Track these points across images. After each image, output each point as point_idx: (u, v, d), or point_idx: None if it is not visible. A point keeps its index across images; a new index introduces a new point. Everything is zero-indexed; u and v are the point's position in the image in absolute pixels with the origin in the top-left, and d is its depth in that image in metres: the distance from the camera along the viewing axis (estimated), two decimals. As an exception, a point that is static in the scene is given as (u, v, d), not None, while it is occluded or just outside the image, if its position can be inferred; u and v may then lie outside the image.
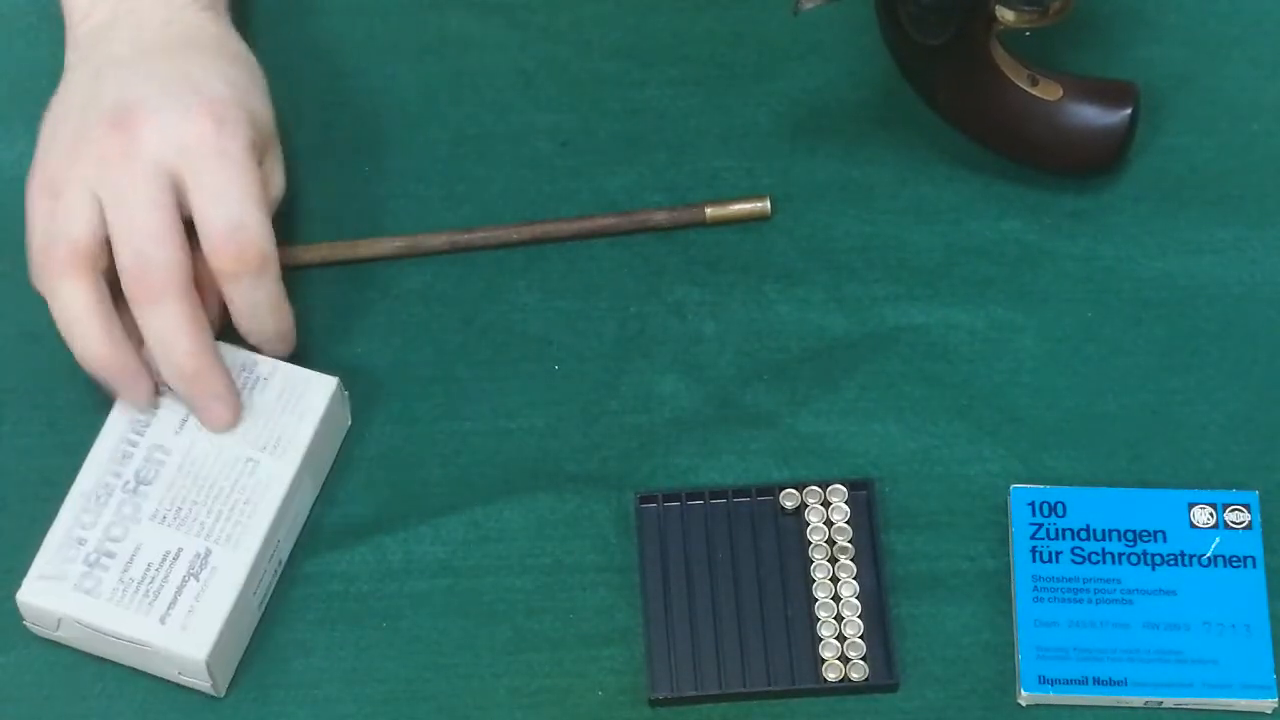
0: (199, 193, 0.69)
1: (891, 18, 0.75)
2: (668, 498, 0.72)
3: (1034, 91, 0.76)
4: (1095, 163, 0.78)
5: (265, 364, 0.73)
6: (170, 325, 0.69)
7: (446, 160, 0.79)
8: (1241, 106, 0.80)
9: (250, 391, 0.72)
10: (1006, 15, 0.73)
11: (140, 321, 0.69)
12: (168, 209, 0.69)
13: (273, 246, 0.70)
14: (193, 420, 0.72)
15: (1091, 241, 0.77)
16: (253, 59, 0.75)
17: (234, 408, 0.71)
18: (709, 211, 0.77)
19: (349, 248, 0.77)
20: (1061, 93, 0.76)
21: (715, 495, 0.72)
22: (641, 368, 0.75)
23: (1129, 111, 0.77)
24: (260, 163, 0.72)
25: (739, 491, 0.72)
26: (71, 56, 0.75)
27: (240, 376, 0.73)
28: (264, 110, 0.73)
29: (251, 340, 0.72)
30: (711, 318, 0.76)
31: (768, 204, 0.77)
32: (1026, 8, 0.73)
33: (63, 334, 0.70)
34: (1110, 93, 0.77)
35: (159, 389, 0.72)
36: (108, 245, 0.69)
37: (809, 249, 0.77)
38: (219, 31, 0.75)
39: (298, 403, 0.72)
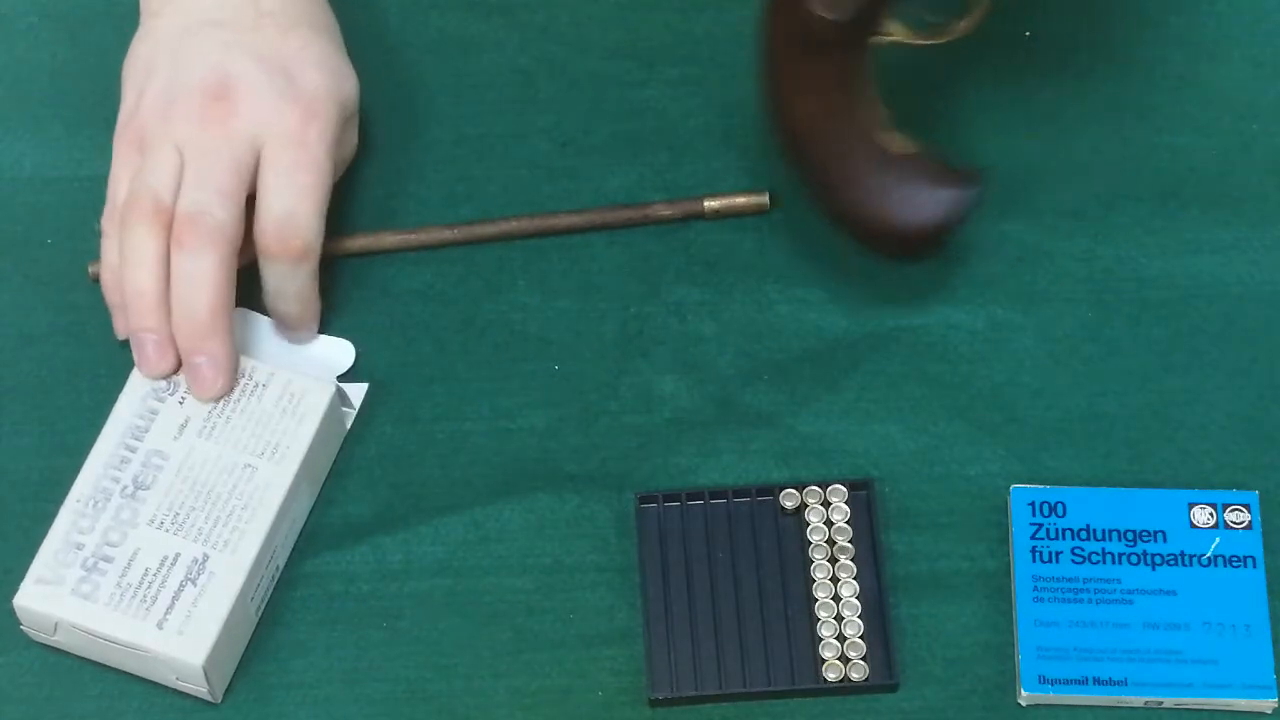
0: (269, 173, 0.71)
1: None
2: (667, 498, 0.72)
3: (878, 136, 0.73)
4: (919, 238, 0.74)
5: (263, 370, 0.73)
6: (202, 273, 0.70)
7: (446, 160, 0.80)
8: (1241, 106, 0.80)
9: (248, 397, 0.73)
10: (895, 28, 0.72)
11: (175, 264, 0.70)
12: (241, 177, 0.71)
13: (317, 241, 0.72)
14: (191, 426, 0.72)
15: (1091, 241, 0.77)
16: (335, 23, 0.77)
17: (228, 377, 0.71)
18: (708, 204, 0.77)
19: (342, 243, 0.77)
20: (916, 150, 0.73)
21: (715, 495, 0.72)
22: (641, 368, 0.75)
23: (975, 193, 0.73)
24: (342, 133, 0.74)
25: (739, 492, 0.72)
26: (152, 4, 0.75)
27: (238, 382, 0.73)
28: (351, 86, 0.75)
29: (274, 318, 0.74)
30: (711, 318, 0.76)
31: (766, 197, 0.77)
32: (928, 16, 0.72)
33: (124, 274, 0.71)
34: (959, 176, 0.74)
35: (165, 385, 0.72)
36: None
37: (809, 249, 0.77)
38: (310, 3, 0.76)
39: (295, 408, 0.72)
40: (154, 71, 0.73)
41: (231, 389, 0.72)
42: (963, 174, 0.75)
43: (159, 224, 0.71)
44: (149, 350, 0.71)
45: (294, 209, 0.71)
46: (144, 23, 0.75)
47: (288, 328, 0.75)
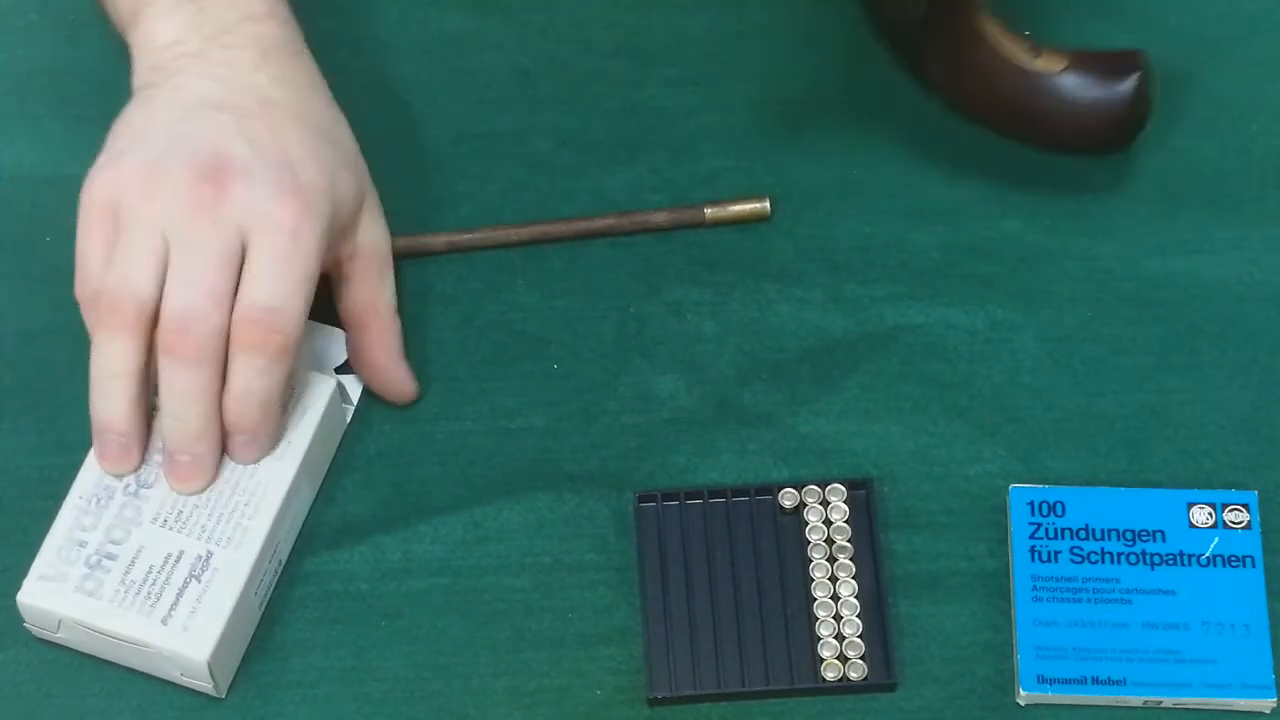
0: (257, 261, 0.69)
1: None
2: (666, 497, 0.72)
3: (1036, 65, 0.76)
4: (1115, 133, 0.77)
5: None
6: (193, 388, 0.69)
7: (447, 159, 0.80)
8: (1241, 106, 0.81)
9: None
10: None
11: (165, 373, 0.69)
12: (230, 274, 0.69)
13: (295, 340, 0.69)
14: None
15: (1091, 241, 0.77)
16: (341, 121, 0.75)
17: (208, 478, 0.70)
18: (708, 212, 0.77)
19: None
20: (1065, 64, 0.76)
21: (714, 495, 0.72)
22: (640, 367, 0.75)
23: (1138, 76, 0.76)
24: (356, 223, 0.73)
25: (738, 491, 0.72)
26: (150, 76, 0.73)
27: None
28: (349, 187, 0.72)
29: (226, 420, 0.70)
30: (710, 318, 0.76)
31: (767, 204, 0.77)
32: None
33: (91, 381, 0.69)
34: (1116, 62, 0.77)
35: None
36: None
37: (808, 249, 0.78)
38: (309, 81, 0.75)
39: (297, 403, 0.72)
40: (145, 141, 0.71)
41: (209, 484, 0.70)
42: (1119, 62, 0.76)
43: (140, 331, 0.69)
44: (113, 450, 0.70)
45: (279, 303, 0.69)
46: (138, 93, 0.74)
47: (238, 438, 0.71)
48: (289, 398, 0.72)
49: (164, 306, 0.69)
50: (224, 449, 0.72)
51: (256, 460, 0.71)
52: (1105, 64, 0.76)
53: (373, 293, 0.74)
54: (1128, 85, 0.76)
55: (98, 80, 0.80)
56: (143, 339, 0.69)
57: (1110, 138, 0.77)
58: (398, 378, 0.75)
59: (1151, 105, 0.77)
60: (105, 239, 0.70)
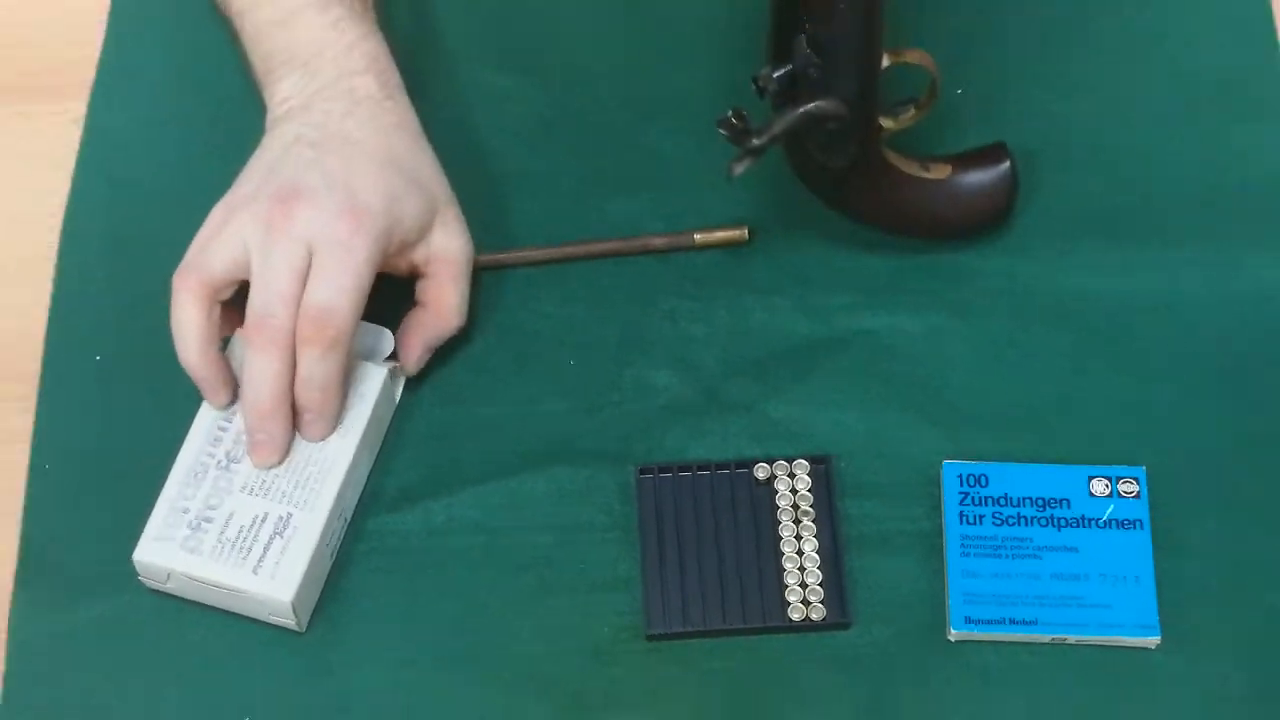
0: (317, 269, 0.70)
1: (800, 153, 0.74)
2: (662, 470, 0.72)
3: (929, 176, 0.75)
4: (995, 213, 0.77)
5: None
6: (265, 373, 0.69)
7: (483, 192, 0.79)
8: (1125, 154, 0.80)
9: None
10: (889, 123, 0.73)
11: (245, 359, 0.70)
12: (298, 277, 0.69)
13: (348, 334, 0.69)
14: None
15: (1010, 264, 0.77)
16: (421, 152, 0.74)
17: (282, 454, 0.70)
18: (697, 237, 0.77)
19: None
20: (950, 169, 0.76)
21: (701, 468, 0.72)
22: (641, 364, 0.75)
23: (1008, 165, 0.76)
24: (429, 235, 0.73)
25: (721, 466, 0.72)
26: (270, 127, 0.74)
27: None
28: (414, 207, 0.72)
29: (296, 402, 0.70)
30: (699, 323, 0.76)
31: (745, 232, 0.77)
32: (899, 109, 0.73)
33: (172, 331, 0.70)
34: (988, 156, 0.76)
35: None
36: (238, 283, 0.70)
37: (780, 268, 0.78)
38: (395, 122, 0.74)
39: (355, 389, 0.72)
40: (251, 175, 0.72)
41: (284, 459, 0.70)
42: (990, 156, 0.76)
43: (202, 294, 0.69)
44: (204, 392, 0.71)
45: (333, 302, 0.69)
46: (267, 131, 0.74)
47: (307, 415, 0.71)
48: (348, 385, 0.72)
49: (248, 305, 0.70)
50: (298, 430, 0.72)
51: (323, 437, 0.71)
52: (980, 160, 0.76)
53: (441, 291, 0.74)
54: (1004, 171, 0.76)
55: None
56: (205, 300, 0.69)
57: (998, 215, 0.77)
58: (413, 358, 0.74)
59: (1019, 182, 0.76)
60: (211, 235, 0.71)
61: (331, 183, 0.71)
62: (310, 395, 0.70)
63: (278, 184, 0.71)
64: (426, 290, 0.74)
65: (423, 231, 0.73)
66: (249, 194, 0.71)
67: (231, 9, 0.77)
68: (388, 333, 0.74)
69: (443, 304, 0.74)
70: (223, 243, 0.70)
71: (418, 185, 0.73)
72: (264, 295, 0.69)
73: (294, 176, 0.71)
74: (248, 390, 0.70)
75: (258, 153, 0.73)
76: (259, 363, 0.69)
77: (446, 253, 0.74)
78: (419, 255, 0.73)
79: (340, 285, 0.69)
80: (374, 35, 0.76)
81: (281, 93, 0.74)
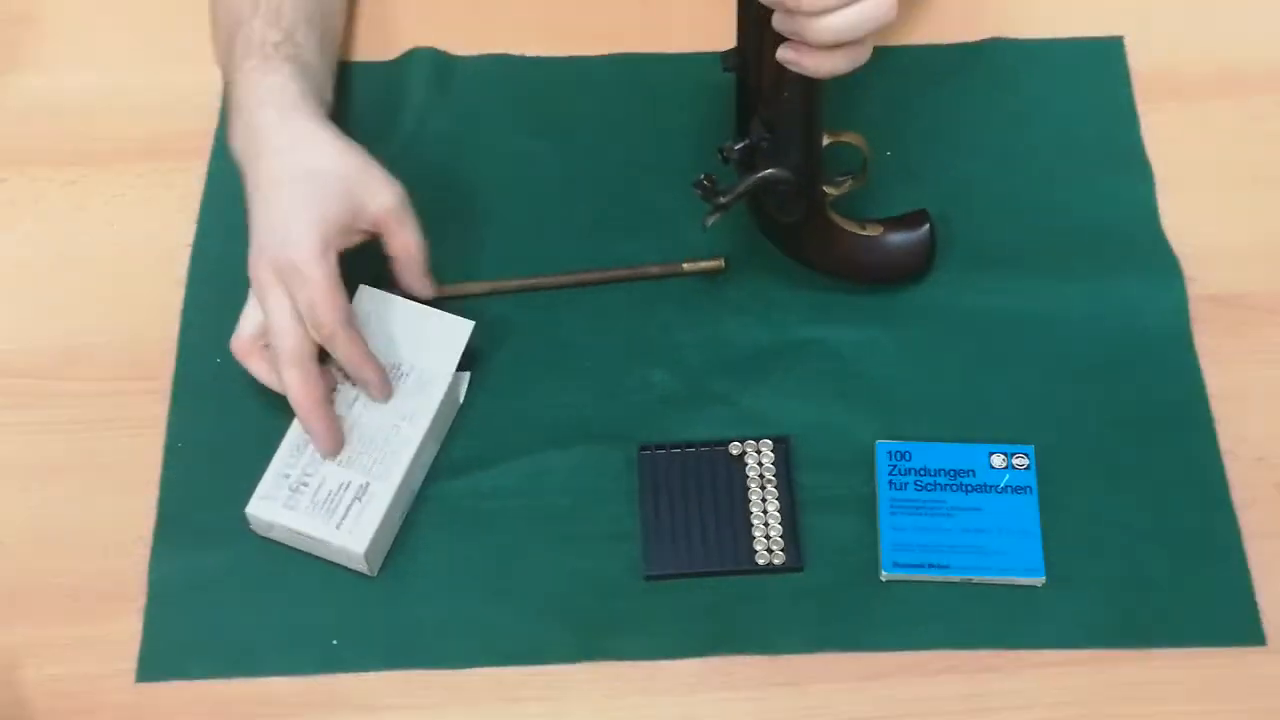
0: (297, 298, 0.69)
1: (761, 210, 0.74)
2: (658, 448, 0.74)
3: (864, 233, 0.75)
4: (917, 267, 0.77)
5: (405, 363, 0.73)
6: (294, 381, 0.69)
7: (516, 233, 0.80)
8: (1017, 202, 0.80)
9: (396, 382, 0.73)
10: (831, 190, 0.73)
11: (282, 378, 0.69)
12: (288, 313, 0.69)
13: (337, 327, 0.68)
14: (360, 399, 0.72)
15: (930, 288, 0.78)
16: (319, 152, 0.70)
17: (335, 443, 0.70)
18: (685, 266, 0.78)
19: (455, 288, 0.78)
20: (882, 229, 0.76)
21: (689, 446, 0.73)
22: (642, 365, 0.76)
23: (927, 228, 0.76)
24: (362, 207, 0.70)
25: (704, 444, 0.74)
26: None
27: (391, 372, 0.73)
28: (336, 208, 0.69)
29: (354, 378, 0.71)
30: (687, 333, 0.77)
31: (723, 262, 0.78)
32: (839, 180, 0.73)
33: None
34: (912, 220, 0.76)
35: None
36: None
37: (749, 291, 0.78)
38: (287, 141, 0.70)
39: (424, 390, 0.72)
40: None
41: (338, 453, 0.70)
42: (914, 220, 0.76)
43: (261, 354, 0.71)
44: (313, 431, 0.71)
45: (317, 316, 0.69)
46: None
47: (360, 386, 0.71)
48: (419, 389, 0.72)
49: (270, 348, 0.71)
50: (371, 395, 0.71)
51: (385, 397, 0.71)
52: (906, 223, 0.76)
53: (396, 238, 0.72)
54: (924, 233, 0.76)
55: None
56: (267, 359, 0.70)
57: (920, 267, 0.77)
58: (419, 286, 0.73)
59: (938, 243, 0.76)
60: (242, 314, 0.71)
61: (273, 237, 0.68)
62: (352, 370, 0.70)
63: (251, 251, 0.70)
64: (389, 244, 0.72)
65: (354, 211, 0.70)
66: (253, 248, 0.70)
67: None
68: (468, 322, 0.73)
69: (406, 246, 0.72)
70: (244, 316, 0.71)
71: (329, 181, 0.69)
72: (274, 336, 0.69)
73: (254, 240, 0.69)
74: (292, 402, 0.69)
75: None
76: (288, 377, 0.69)
77: (382, 209, 0.71)
78: (364, 224, 0.71)
79: (311, 300, 0.68)
80: (278, 71, 0.71)
81: (234, 144, 0.72)
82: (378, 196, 0.71)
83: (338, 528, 0.70)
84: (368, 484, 0.71)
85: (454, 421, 0.75)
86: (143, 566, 0.72)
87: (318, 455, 0.72)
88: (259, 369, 0.72)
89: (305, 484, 0.71)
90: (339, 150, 0.71)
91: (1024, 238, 0.79)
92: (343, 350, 0.70)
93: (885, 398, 0.75)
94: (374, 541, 0.70)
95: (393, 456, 0.71)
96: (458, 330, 0.73)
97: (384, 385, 0.72)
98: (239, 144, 0.73)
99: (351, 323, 0.70)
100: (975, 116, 0.82)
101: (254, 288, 0.70)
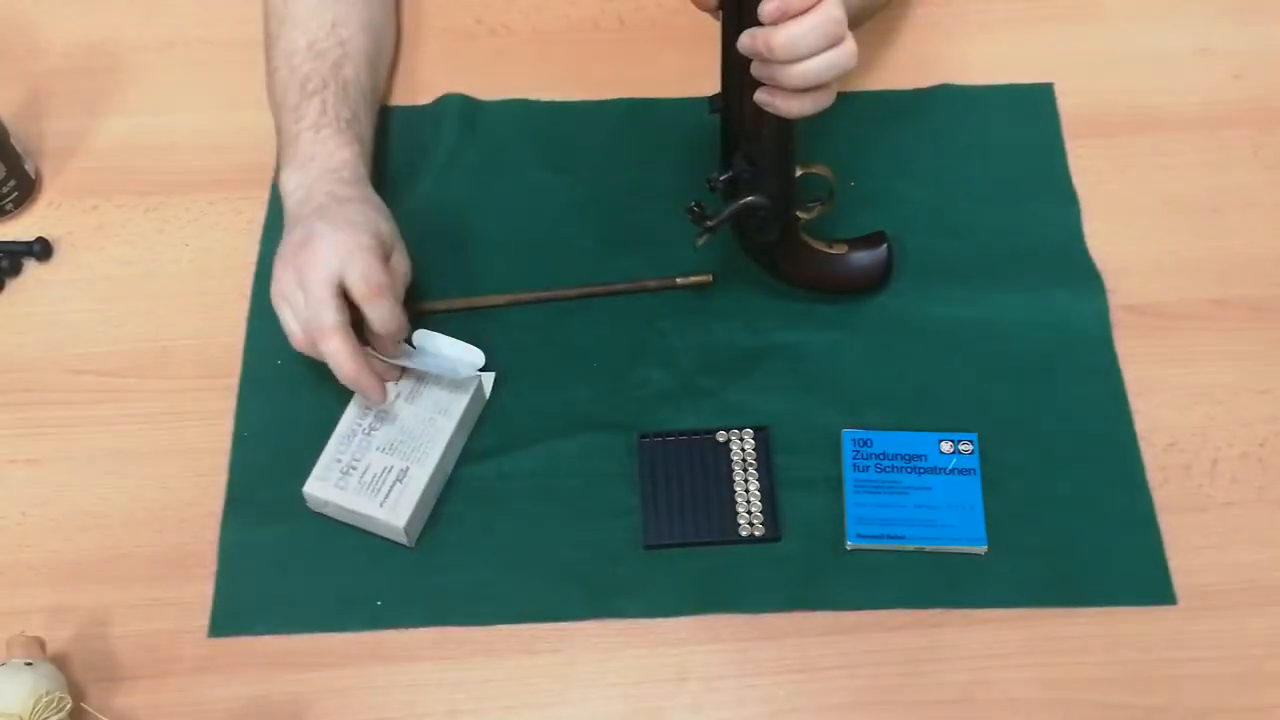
0: (348, 268, 0.68)
1: (743, 232, 0.74)
2: (656, 436, 0.73)
3: (831, 251, 0.75)
4: (876, 280, 0.77)
5: (436, 371, 0.73)
6: (338, 351, 0.68)
7: (533, 252, 0.79)
8: (962, 224, 0.79)
9: (434, 385, 0.73)
10: (803, 214, 0.73)
11: (323, 351, 0.68)
12: (330, 288, 0.68)
13: (383, 286, 0.68)
14: (401, 396, 0.72)
15: (888, 299, 0.77)
16: (380, 205, 0.73)
17: (380, 392, 0.69)
18: (679, 280, 0.78)
19: (473, 300, 0.77)
20: (847, 248, 0.76)
21: (681, 434, 0.73)
22: (641, 365, 0.76)
23: (885, 246, 0.76)
24: (388, 258, 0.71)
25: (694, 432, 0.73)
26: (286, 222, 0.73)
27: (431, 379, 0.73)
28: (388, 232, 0.72)
29: (382, 333, 0.70)
30: (680, 338, 0.77)
31: (711, 277, 0.78)
32: (810, 205, 0.73)
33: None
34: (872, 240, 0.76)
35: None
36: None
37: (734, 301, 0.78)
38: (358, 192, 0.73)
39: (456, 388, 0.73)
40: (284, 245, 0.71)
41: (384, 399, 0.69)
42: (874, 240, 0.76)
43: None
44: (364, 393, 0.70)
45: (369, 277, 0.68)
46: (287, 225, 0.72)
47: (393, 336, 0.70)
48: (451, 387, 0.71)
49: (304, 325, 0.69)
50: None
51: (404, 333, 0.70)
52: (867, 243, 0.76)
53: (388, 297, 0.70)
54: (882, 251, 0.76)
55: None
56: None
57: (879, 280, 0.77)
58: (395, 326, 0.71)
59: (895, 259, 0.76)
60: (292, 305, 0.70)
61: (333, 223, 0.69)
62: (384, 327, 0.69)
63: (292, 245, 0.69)
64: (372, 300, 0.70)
65: (388, 247, 0.71)
66: (289, 255, 0.69)
67: (274, 117, 0.77)
68: (478, 351, 0.74)
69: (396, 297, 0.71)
70: (299, 299, 0.70)
71: (382, 227, 0.72)
72: (313, 308, 0.68)
73: (304, 234, 0.69)
74: (336, 368, 0.68)
75: (286, 239, 0.71)
76: (330, 348, 0.68)
77: (399, 266, 0.72)
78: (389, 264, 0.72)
79: (365, 268, 0.68)
80: (349, 145, 0.74)
81: (289, 186, 0.73)
82: (401, 261, 0.73)
83: (381, 505, 0.70)
84: (408, 468, 0.71)
85: (480, 415, 0.75)
86: (214, 538, 0.72)
87: (365, 442, 0.72)
88: (336, 347, 0.69)
89: (354, 467, 0.71)
90: (391, 224, 0.74)
91: (968, 255, 0.79)
92: (383, 312, 0.69)
93: (850, 392, 0.75)
94: (412, 517, 0.70)
95: (429, 445, 0.72)
96: (475, 354, 0.74)
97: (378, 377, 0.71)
98: (298, 189, 0.73)
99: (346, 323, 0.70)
100: (926, 151, 0.83)
101: (288, 279, 0.69)
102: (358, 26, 0.79)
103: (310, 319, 0.69)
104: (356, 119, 0.77)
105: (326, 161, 0.74)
